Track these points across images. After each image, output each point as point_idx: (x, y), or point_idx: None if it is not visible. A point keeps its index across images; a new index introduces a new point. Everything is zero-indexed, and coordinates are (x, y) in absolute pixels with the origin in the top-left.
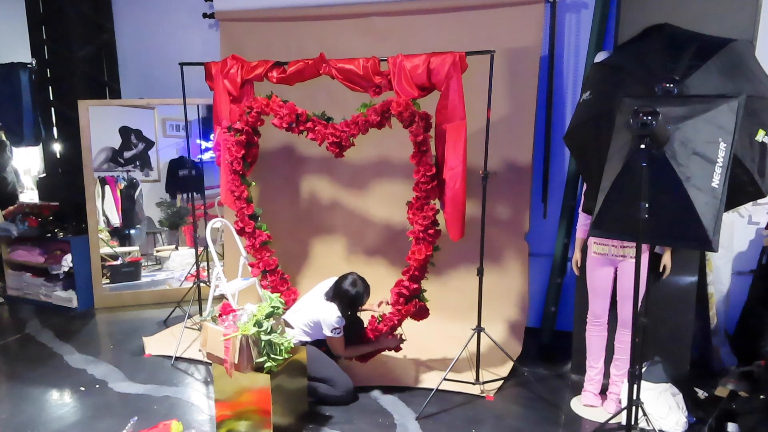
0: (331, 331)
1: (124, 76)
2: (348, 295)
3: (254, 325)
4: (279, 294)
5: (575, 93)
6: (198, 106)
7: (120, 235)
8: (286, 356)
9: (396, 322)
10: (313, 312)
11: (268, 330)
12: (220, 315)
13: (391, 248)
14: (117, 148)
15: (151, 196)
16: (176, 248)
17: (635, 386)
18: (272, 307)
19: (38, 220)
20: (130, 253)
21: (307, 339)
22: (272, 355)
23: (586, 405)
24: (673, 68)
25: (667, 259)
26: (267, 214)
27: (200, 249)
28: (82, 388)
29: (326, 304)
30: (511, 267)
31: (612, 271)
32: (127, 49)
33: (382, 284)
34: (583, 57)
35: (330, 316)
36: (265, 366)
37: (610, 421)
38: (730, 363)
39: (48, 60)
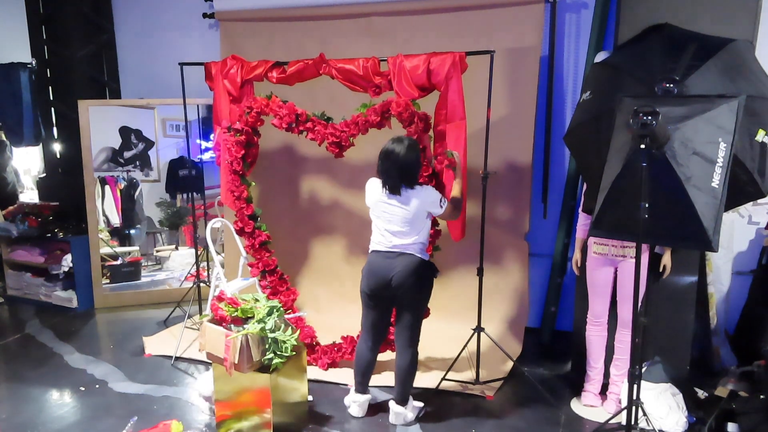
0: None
1: (124, 76)
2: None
3: (258, 322)
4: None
5: (575, 93)
6: (198, 106)
7: (120, 235)
8: (292, 353)
9: None
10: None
11: (273, 328)
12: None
13: None
14: (117, 148)
15: (151, 196)
16: (176, 248)
17: (635, 386)
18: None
19: (38, 220)
20: (130, 253)
21: None
22: (278, 352)
23: (586, 405)
24: (673, 68)
25: (667, 259)
26: (267, 214)
27: (200, 249)
28: (82, 388)
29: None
30: (511, 267)
31: (612, 271)
32: (127, 49)
33: None
34: (583, 57)
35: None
36: (273, 363)
37: (610, 421)
38: (730, 363)
39: (48, 60)
